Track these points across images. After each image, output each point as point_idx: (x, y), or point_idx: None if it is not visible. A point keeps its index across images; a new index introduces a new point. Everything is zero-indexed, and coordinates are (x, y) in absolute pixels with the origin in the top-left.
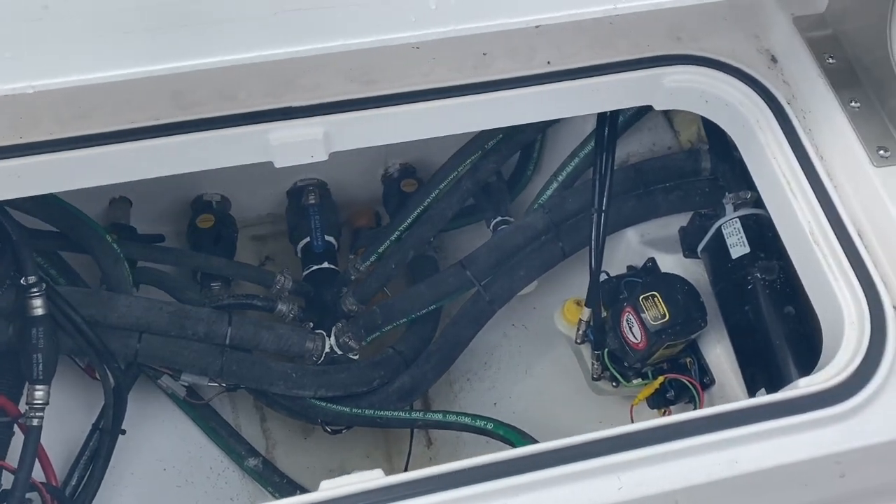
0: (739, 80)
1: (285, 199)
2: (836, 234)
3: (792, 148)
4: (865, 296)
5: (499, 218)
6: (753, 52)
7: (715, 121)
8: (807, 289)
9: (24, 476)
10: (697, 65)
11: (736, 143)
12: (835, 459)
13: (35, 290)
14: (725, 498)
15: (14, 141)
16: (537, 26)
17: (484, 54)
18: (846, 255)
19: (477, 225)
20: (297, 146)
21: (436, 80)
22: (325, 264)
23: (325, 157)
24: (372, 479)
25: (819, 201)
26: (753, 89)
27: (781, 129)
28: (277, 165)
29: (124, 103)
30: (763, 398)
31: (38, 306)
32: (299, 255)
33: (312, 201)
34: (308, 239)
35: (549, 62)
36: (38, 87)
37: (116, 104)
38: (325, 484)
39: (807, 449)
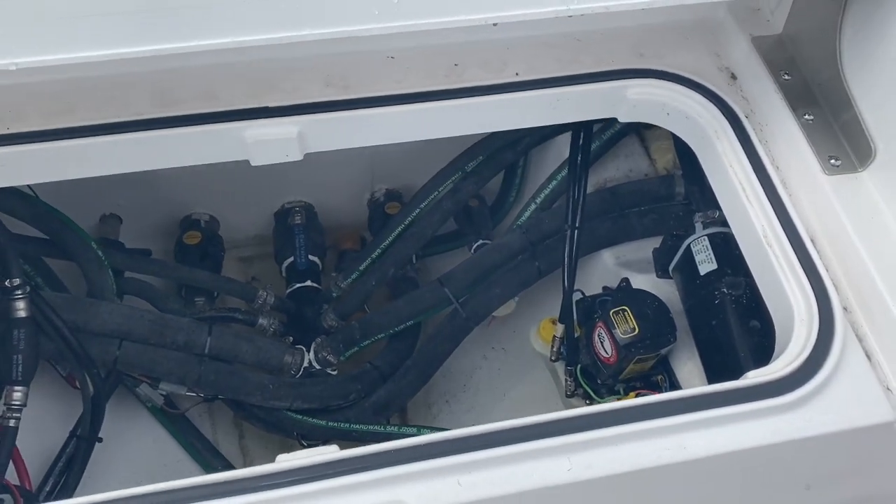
0: (700, 93)
1: (272, 221)
2: (788, 238)
3: (748, 157)
4: (815, 295)
5: (480, 241)
6: (714, 69)
7: (675, 132)
8: (760, 289)
9: None
10: (660, 79)
11: (695, 152)
12: (781, 448)
13: (19, 292)
14: (675, 483)
15: (1, 132)
16: (495, 24)
17: (455, 65)
18: (798, 258)
19: (460, 250)
20: (272, 144)
21: (408, 87)
22: (308, 282)
23: (299, 157)
24: (327, 452)
25: (773, 206)
26: (713, 103)
27: (738, 139)
28: (253, 163)
29: (108, 100)
30: (712, 387)
31: (20, 308)
32: (283, 273)
33: (298, 221)
34: (292, 258)
35: (517, 73)
36: (20, 64)
37: (100, 101)
38: (281, 457)
39: (754, 436)
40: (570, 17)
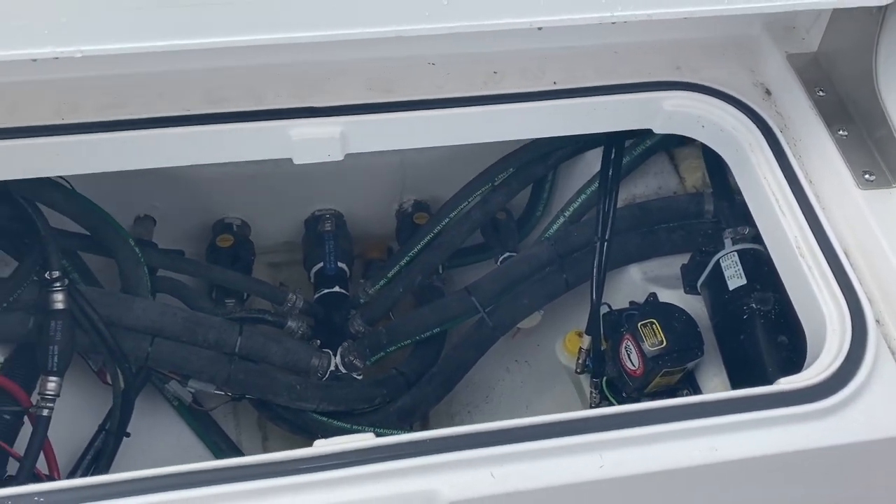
0: (735, 107)
1: (302, 229)
2: (822, 249)
3: (782, 170)
4: (848, 307)
5: (506, 254)
6: (749, 84)
7: (710, 144)
8: (792, 299)
9: (29, 464)
10: (695, 91)
11: (729, 165)
12: (812, 455)
13: (57, 284)
14: (706, 485)
15: (56, 122)
16: (540, 28)
17: (494, 72)
18: (831, 269)
19: (485, 263)
20: (315, 143)
21: (448, 92)
22: (336, 288)
23: (340, 157)
24: (364, 439)
25: (806, 219)
26: (748, 116)
27: (773, 153)
28: (296, 161)
29: (159, 95)
30: (744, 391)
31: (58, 300)
32: (312, 279)
33: (328, 228)
34: (322, 264)
35: (555, 82)
36: (86, 51)
37: (151, 96)
38: (318, 442)
39: (785, 442)
40: (613, 24)
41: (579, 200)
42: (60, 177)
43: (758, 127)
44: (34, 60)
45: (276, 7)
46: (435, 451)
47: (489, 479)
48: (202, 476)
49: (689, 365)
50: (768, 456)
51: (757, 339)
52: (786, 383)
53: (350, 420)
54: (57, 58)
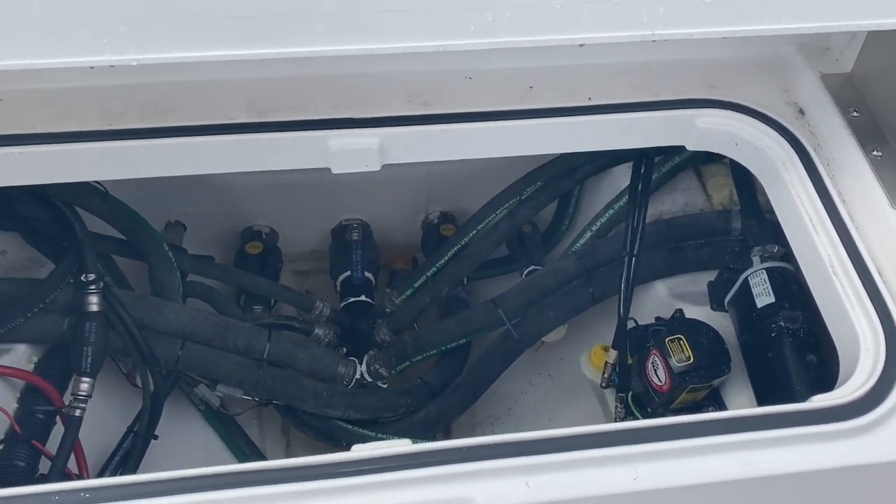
0: (768, 126)
1: (329, 238)
2: (855, 268)
3: (816, 189)
4: (882, 325)
5: (531, 267)
6: (783, 103)
7: (742, 162)
8: (825, 318)
9: (61, 463)
10: (729, 109)
11: (762, 183)
12: (845, 472)
13: (93, 287)
14: (738, 500)
15: (103, 127)
16: (581, 45)
17: (530, 87)
18: (865, 288)
19: (511, 276)
20: (353, 154)
21: (485, 106)
22: (363, 297)
23: (377, 168)
24: (400, 445)
25: (840, 237)
26: (781, 135)
27: (806, 171)
28: (334, 171)
29: (204, 104)
30: (778, 407)
31: (93, 303)
32: (338, 288)
33: (356, 238)
34: (348, 272)
35: (590, 98)
36: (142, 60)
37: (196, 104)
38: (356, 447)
39: (818, 459)
40: (654, 42)
41: (607, 215)
42: (97, 182)
43: (791, 146)
44: (91, 68)
45: (327, 21)
46: (471, 459)
47: (524, 487)
48: (239, 478)
49: (716, 382)
50: (802, 473)
51: (785, 357)
52: (819, 401)
53: (374, 428)
54: (113, 66)
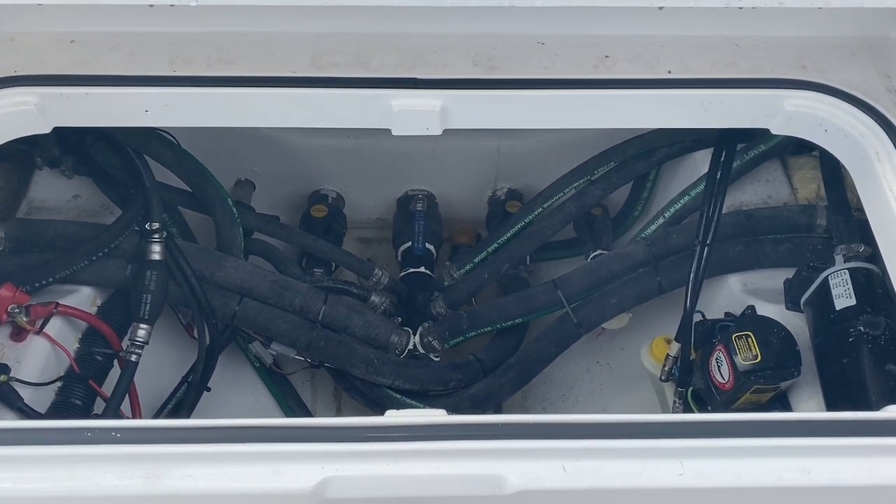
0: (864, 112)
1: (395, 207)
2: None
3: None
4: None
5: (598, 251)
6: (882, 89)
7: (831, 150)
8: None
9: (115, 404)
10: (821, 92)
11: (851, 174)
12: None
13: (156, 236)
14: None
15: (168, 73)
16: (661, 7)
17: (606, 56)
18: None
19: (575, 259)
20: (415, 115)
21: (556, 73)
22: (422, 269)
23: (439, 132)
24: (436, 414)
25: None
26: (878, 123)
27: None
28: (395, 132)
29: (268, 56)
30: (847, 413)
31: (156, 251)
32: (399, 258)
33: (420, 208)
34: (410, 243)
35: (669, 71)
36: (201, 2)
37: (260, 55)
38: (390, 412)
39: (889, 474)
40: (736, 14)
41: (682, 202)
42: (168, 133)
43: (888, 135)
44: (151, 6)
45: None
46: (507, 437)
47: (561, 472)
48: (271, 432)
49: (784, 384)
50: (868, 487)
51: (862, 364)
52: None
53: (423, 401)
54: (173, 5)
